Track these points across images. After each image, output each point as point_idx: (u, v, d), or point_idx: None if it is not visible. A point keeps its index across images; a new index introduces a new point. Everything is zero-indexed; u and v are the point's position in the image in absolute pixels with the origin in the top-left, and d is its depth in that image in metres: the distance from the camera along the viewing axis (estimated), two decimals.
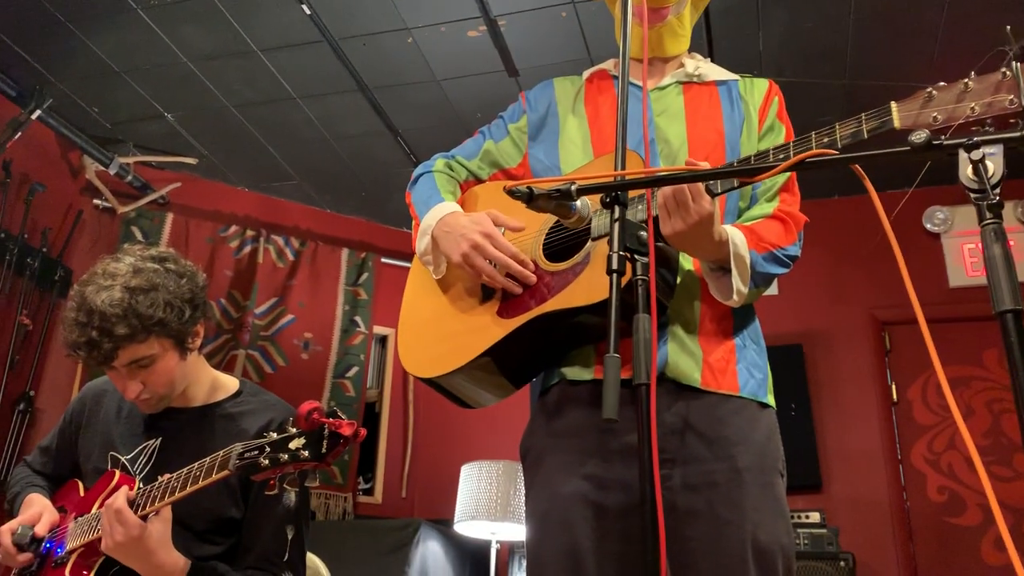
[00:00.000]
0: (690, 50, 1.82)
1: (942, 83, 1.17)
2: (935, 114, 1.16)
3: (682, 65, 1.76)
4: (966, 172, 0.97)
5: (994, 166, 0.96)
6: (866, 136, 1.23)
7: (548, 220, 1.62)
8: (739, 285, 1.47)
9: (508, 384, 1.64)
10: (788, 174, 1.62)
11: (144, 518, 1.64)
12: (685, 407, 1.49)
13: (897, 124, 1.20)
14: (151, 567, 1.64)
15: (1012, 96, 1.09)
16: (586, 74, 1.85)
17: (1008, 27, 3.08)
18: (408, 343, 1.72)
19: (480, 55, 3.86)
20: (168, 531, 1.66)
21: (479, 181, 1.84)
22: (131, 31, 3.74)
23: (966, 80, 1.14)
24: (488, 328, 1.57)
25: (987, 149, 0.96)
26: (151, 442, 1.88)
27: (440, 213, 1.68)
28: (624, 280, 1.13)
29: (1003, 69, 1.11)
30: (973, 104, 1.12)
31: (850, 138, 1.24)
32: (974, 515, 4.26)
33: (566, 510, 1.48)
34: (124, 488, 1.69)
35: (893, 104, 1.21)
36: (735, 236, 1.47)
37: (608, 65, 1.84)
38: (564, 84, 1.85)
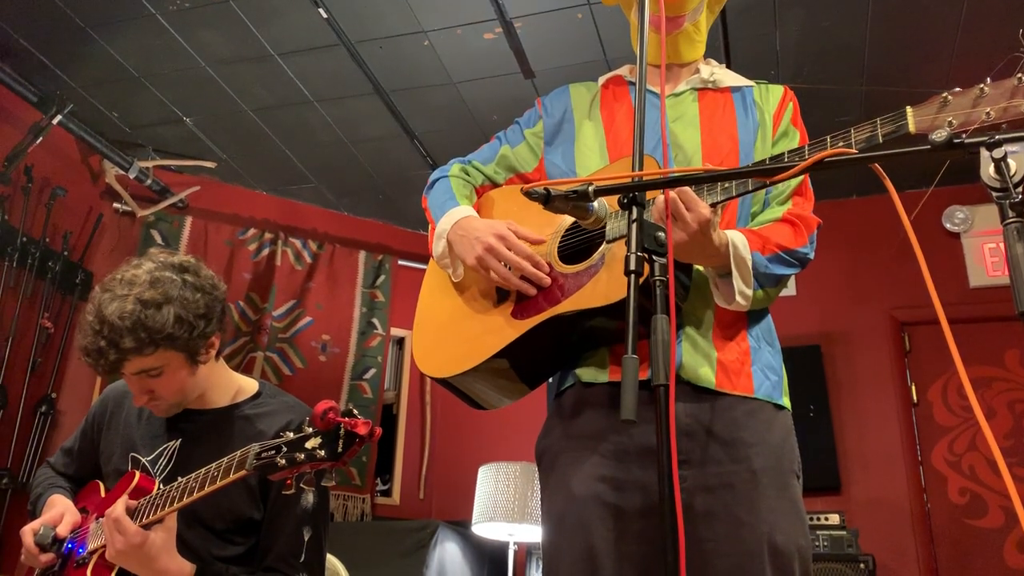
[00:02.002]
0: (707, 52, 1.82)
1: (957, 88, 1.17)
2: (950, 119, 1.16)
3: (698, 71, 1.76)
4: (988, 171, 0.96)
5: (1016, 164, 0.95)
6: (881, 140, 1.23)
7: (563, 224, 1.63)
8: (741, 287, 1.46)
9: (522, 385, 1.64)
10: (801, 177, 1.62)
11: (148, 526, 1.65)
12: (700, 409, 1.49)
13: (912, 129, 1.20)
14: (154, 573, 1.66)
15: None
16: (602, 80, 1.86)
17: (1022, 31, 3.06)
18: (423, 344, 1.73)
19: (496, 57, 3.87)
20: (172, 538, 1.67)
21: (495, 185, 1.85)
22: (150, 36, 3.77)
23: (981, 86, 1.14)
24: (502, 329, 1.58)
25: (1009, 147, 0.95)
26: (171, 443, 1.90)
27: (455, 217, 1.69)
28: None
29: (1018, 74, 1.11)
30: (988, 109, 1.12)
31: (865, 142, 1.24)
32: (996, 517, 4.22)
33: (582, 512, 1.48)
34: (123, 497, 1.70)
35: (908, 108, 1.21)
36: (736, 239, 1.46)
37: (624, 71, 1.84)
38: (580, 90, 1.85)
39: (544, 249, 1.62)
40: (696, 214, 1.35)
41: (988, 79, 1.14)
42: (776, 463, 1.48)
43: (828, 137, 1.27)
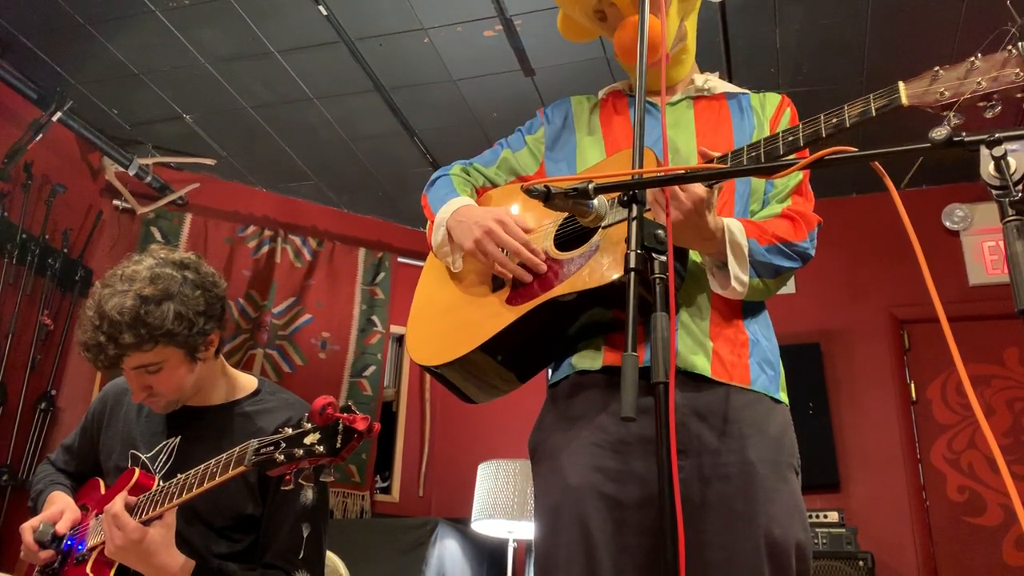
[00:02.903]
0: (706, 50, 1.83)
1: (947, 64, 1.18)
2: (942, 89, 1.16)
3: (692, 81, 1.78)
4: (987, 169, 0.96)
5: (1016, 162, 0.95)
6: (874, 114, 1.22)
7: (560, 215, 1.63)
8: (737, 272, 1.45)
9: (512, 377, 1.63)
10: (800, 175, 1.62)
11: (147, 523, 1.65)
12: (696, 398, 1.49)
13: (905, 101, 1.20)
14: (153, 569, 1.66)
15: (1018, 70, 1.10)
16: (601, 93, 1.88)
17: (1008, 1, 3.05)
18: (416, 333, 1.73)
19: (496, 55, 3.86)
20: (171, 535, 1.67)
21: (495, 187, 1.86)
22: (149, 33, 3.77)
23: (972, 59, 1.15)
24: (497, 316, 1.57)
25: (1009, 145, 0.95)
26: (171, 440, 1.90)
27: (455, 205, 1.71)
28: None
29: (1008, 47, 1.12)
30: (980, 79, 1.13)
31: (859, 117, 1.23)
32: (995, 515, 4.23)
33: (579, 502, 1.47)
34: (122, 493, 1.71)
35: (901, 83, 1.21)
36: (732, 225, 1.46)
37: (623, 86, 1.87)
38: (580, 100, 1.88)
39: (541, 237, 1.62)
40: (690, 193, 1.35)
41: (979, 53, 1.15)
42: (774, 455, 1.48)
43: (822, 115, 1.27)
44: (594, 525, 1.44)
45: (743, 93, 1.76)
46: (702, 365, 1.50)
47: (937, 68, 1.17)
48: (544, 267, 1.56)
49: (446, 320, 1.68)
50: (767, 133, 1.67)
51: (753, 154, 1.33)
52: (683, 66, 1.78)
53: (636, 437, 1.47)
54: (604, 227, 1.49)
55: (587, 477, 1.48)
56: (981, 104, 1.13)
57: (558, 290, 1.50)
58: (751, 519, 1.41)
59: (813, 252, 1.56)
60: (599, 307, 1.47)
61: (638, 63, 1.38)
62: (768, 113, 1.71)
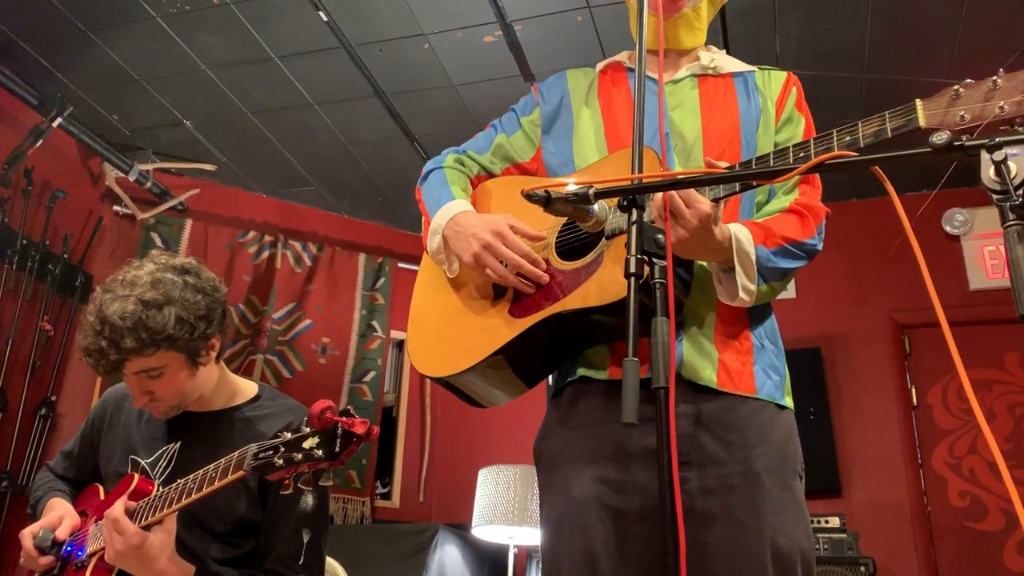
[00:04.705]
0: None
1: (969, 80, 1.12)
2: (962, 113, 1.11)
3: (697, 58, 1.72)
4: (988, 173, 0.95)
5: (1017, 167, 0.94)
6: (890, 135, 1.17)
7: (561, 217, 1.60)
8: (745, 282, 1.43)
9: (521, 383, 1.62)
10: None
11: (147, 528, 1.65)
12: (701, 408, 1.47)
13: (923, 123, 1.15)
14: (153, 574, 1.65)
15: None
16: (600, 66, 1.81)
17: None
18: (418, 342, 1.70)
19: (496, 60, 3.87)
20: (171, 540, 1.67)
21: (490, 175, 1.81)
22: (150, 39, 3.77)
23: (994, 78, 1.10)
24: (499, 328, 1.55)
25: (1010, 150, 0.94)
26: (171, 446, 1.90)
27: (451, 212, 1.65)
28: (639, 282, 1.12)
29: None
30: (1002, 103, 1.08)
31: (873, 137, 1.18)
32: (996, 520, 4.22)
33: (582, 514, 1.46)
34: (122, 498, 1.70)
35: (918, 102, 1.16)
36: (739, 233, 1.43)
37: (622, 57, 1.80)
38: (577, 76, 1.80)
39: (542, 244, 1.59)
40: (696, 210, 1.33)
41: (1001, 71, 1.09)
42: (779, 463, 1.46)
43: (835, 131, 1.22)
44: (596, 537, 1.43)
45: (749, 71, 1.71)
46: (708, 376, 1.48)
47: (957, 87, 1.12)
48: (546, 278, 1.53)
49: (448, 329, 1.65)
50: (772, 115, 1.64)
51: (762, 168, 1.30)
52: (692, 34, 1.71)
53: (638, 447, 1.46)
54: (608, 237, 1.47)
55: (590, 489, 1.46)
56: (1003, 128, 1.08)
57: (562, 305, 1.48)
58: (756, 530, 1.40)
59: (821, 246, 1.53)
60: (604, 316, 1.45)
61: (638, 29, 1.35)
62: (773, 93, 1.67)
